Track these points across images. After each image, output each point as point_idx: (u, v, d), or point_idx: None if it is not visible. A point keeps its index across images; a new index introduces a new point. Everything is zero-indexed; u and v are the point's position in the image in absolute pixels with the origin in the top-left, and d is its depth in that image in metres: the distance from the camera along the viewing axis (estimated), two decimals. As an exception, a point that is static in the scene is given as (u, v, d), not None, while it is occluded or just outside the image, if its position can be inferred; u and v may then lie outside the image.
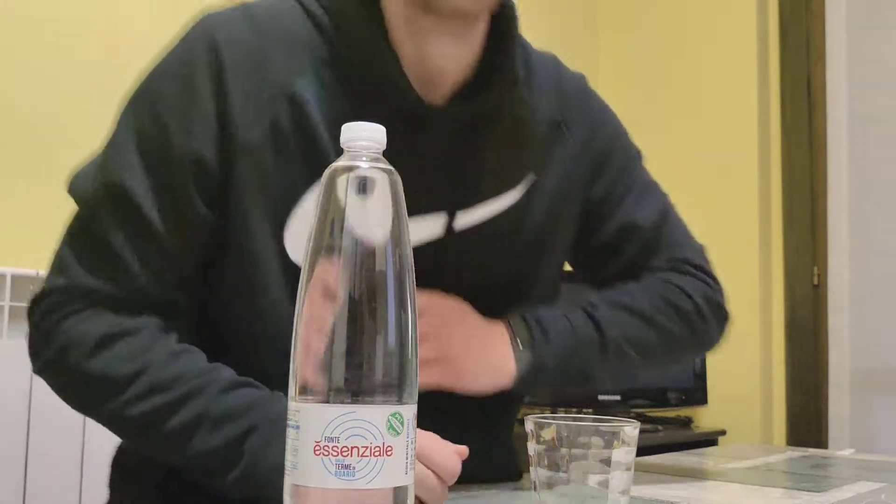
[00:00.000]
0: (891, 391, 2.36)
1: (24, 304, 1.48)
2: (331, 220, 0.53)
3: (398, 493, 0.51)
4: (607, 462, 0.61)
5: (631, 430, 0.62)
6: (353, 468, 0.49)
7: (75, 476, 1.50)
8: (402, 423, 0.51)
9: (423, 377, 0.61)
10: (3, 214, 1.56)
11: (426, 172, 0.78)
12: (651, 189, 1.01)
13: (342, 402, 0.50)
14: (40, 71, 1.62)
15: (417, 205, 0.75)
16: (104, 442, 1.53)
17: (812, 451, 1.30)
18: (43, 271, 1.49)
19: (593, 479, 0.61)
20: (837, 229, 2.46)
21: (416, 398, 0.53)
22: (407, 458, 0.51)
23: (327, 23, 0.79)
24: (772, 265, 2.58)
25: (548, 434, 0.62)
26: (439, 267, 0.81)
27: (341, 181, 0.54)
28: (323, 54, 0.79)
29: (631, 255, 0.95)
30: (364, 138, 0.54)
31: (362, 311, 0.51)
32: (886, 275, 2.39)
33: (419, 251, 0.63)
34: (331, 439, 0.49)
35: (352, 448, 0.49)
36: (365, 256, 0.52)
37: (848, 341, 2.42)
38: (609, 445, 0.61)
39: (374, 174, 0.54)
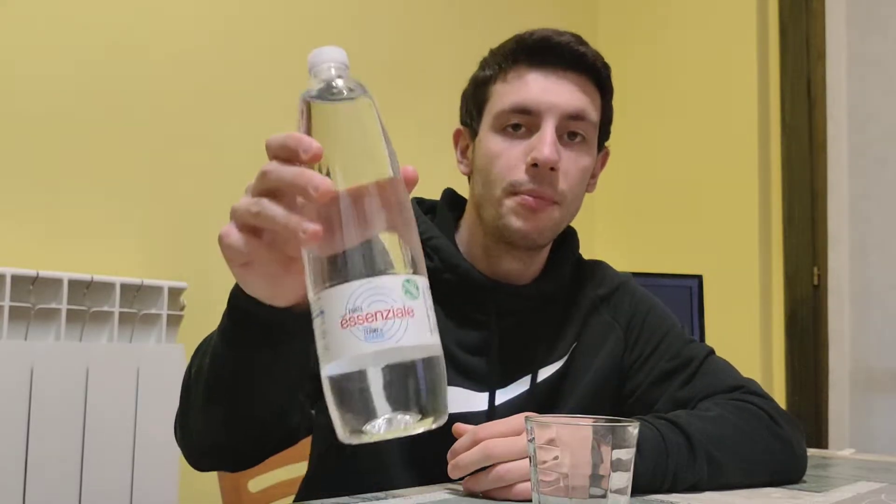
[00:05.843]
0: (891, 391, 2.36)
1: (24, 304, 1.48)
2: (319, 129, 0.56)
3: (428, 351, 0.53)
4: (607, 462, 0.61)
5: (631, 430, 0.62)
6: (381, 331, 0.51)
7: (75, 476, 1.50)
8: (417, 289, 0.53)
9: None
10: (3, 214, 1.56)
11: (515, 337, 1.02)
12: (688, 349, 1.07)
13: (359, 278, 0.52)
14: (40, 71, 1.62)
15: (518, 365, 1.02)
16: (104, 442, 1.53)
17: (812, 451, 1.30)
18: (43, 271, 1.50)
19: (593, 480, 0.61)
20: (837, 229, 2.46)
21: (425, 272, 0.55)
22: (429, 321, 0.53)
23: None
24: (772, 265, 2.58)
25: (547, 434, 0.62)
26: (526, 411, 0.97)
27: (316, 97, 0.56)
28: None
29: (677, 390, 1.02)
30: (326, 60, 0.57)
31: (361, 195, 0.53)
32: (886, 275, 2.39)
33: (514, 401, 1.00)
34: (355, 309, 0.51)
35: (376, 313, 0.51)
36: (356, 145, 0.55)
37: (848, 341, 2.42)
38: (609, 445, 0.61)
39: (342, 82, 0.57)
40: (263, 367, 0.71)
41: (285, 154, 0.56)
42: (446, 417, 0.54)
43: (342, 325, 0.51)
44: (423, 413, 0.52)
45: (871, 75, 2.47)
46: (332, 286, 0.52)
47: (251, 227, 0.59)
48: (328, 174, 0.54)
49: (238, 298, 0.67)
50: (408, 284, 0.52)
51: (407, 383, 0.51)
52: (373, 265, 0.52)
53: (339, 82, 0.57)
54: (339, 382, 0.52)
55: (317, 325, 0.53)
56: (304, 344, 0.53)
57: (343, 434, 0.52)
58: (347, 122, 0.56)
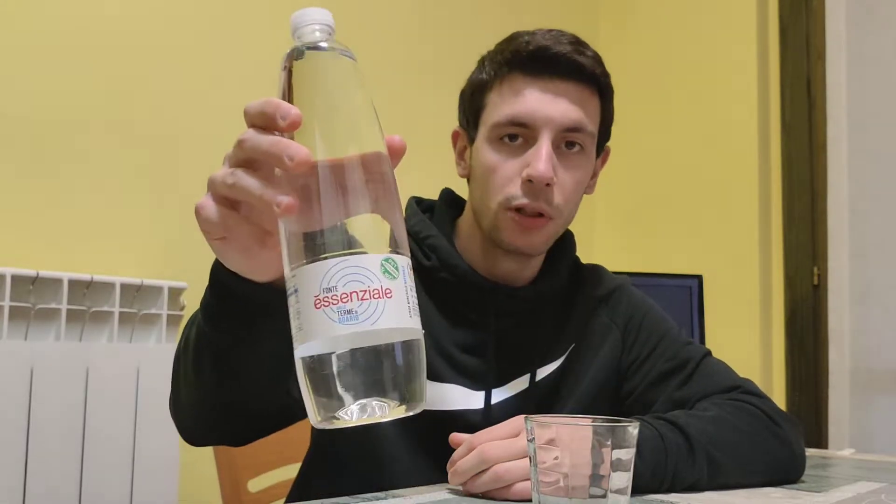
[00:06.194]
0: (891, 391, 2.36)
1: (24, 304, 1.48)
2: (305, 93, 0.53)
3: (406, 334, 0.50)
4: (607, 462, 0.61)
5: (631, 430, 0.62)
6: (356, 312, 0.48)
7: (75, 476, 1.50)
8: (396, 268, 0.50)
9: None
10: (3, 214, 1.56)
11: (513, 338, 1.02)
12: (685, 351, 1.08)
13: (334, 256, 0.49)
14: (40, 71, 1.62)
15: (516, 365, 1.02)
16: (104, 442, 1.53)
17: (812, 451, 1.30)
18: (43, 271, 1.50)
19: (593, 480, 0.61)
20: (837, 229, 2.46)
21: (407, 251, 0.52)
22: (408, 303, 0.50)
23: (415, 247, 1.02)
24: (772, 265, 2.58)
25: (547, 434, 0.62)
26: (524, 411, 0.97)
27: (298, 58, 0.54)
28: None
29: (675, 390, 1.03)
30: (310, 21, 0.54)
31: (342, 167, 0.51)
32: (886, 275, 2.39)
33: (511, 401, 1.00)
34: (329, 289, 0.49)
35: (351, 293, 0.49)
36: (339, 111, 0.52)
37: (848, 341, 2.42)
38: (609, 445, 0.61)
39: (327, 44, 0.54)
40: (245, 342, 0.69)
41: (262, 121, 0.53)
42: (423, 405, 0.51)
43: (316, 306, 0.49)
44: (398, 400, 0.50)
45: (871, 75, 2.47)
46: (306, 263, 0.50)
47: (227, 199, 0.56)
48: (313, 141, 0.51)
49: (218, 273, 0.66)
50: (386, 264, 0.50)
51: (382, 368, 0.49)
52: (350, 242, 0.50)
53: (324, 44, 0.54)
54: (312, 365, 0.49)
55: (291, 303, 0.51)
56: (287, 320, 0.52)
57: (315, 419, 0.50)
58: (330, 84, 0.53)
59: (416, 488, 0.85)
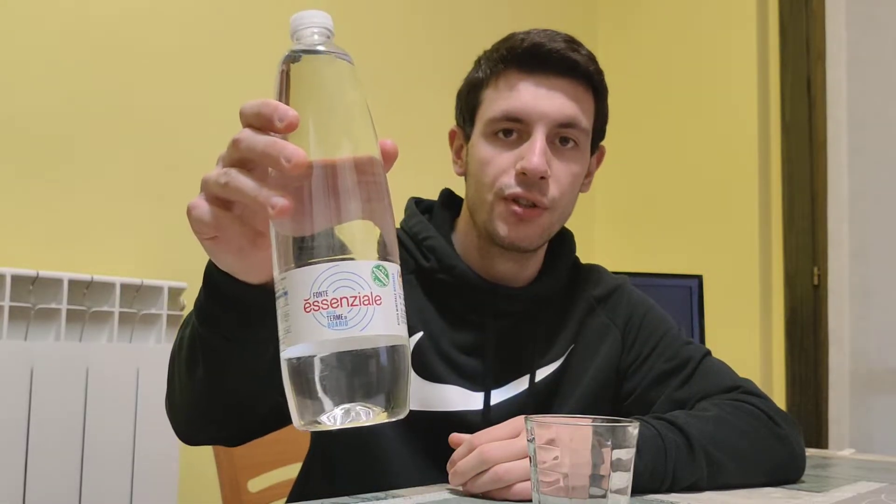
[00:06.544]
0: (891, 391, 2.36)
1: (24, 304, 1.48)
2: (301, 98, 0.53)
3: (393, 341, 0.50)
4: (607, 462, 0.61)
5: (631, 430, 0.62)
6: (345, 318, 0.49)
7: (75, 476, 1.50)
8: (386, 276, 0.51)
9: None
10: (3, 214, 1.56)
11: (512, 339, 1.02)
12: (685, 350, 1.08)
13: (325, 261, 0.50)
14: (40, 71, 1.62)
15: (515, 366, 1.02)
16: (104, 442, 1.53)
17: (812, 451, 1.30)
18: (43, 271, 1.50)
19: (593, 480, 0.61)
20: (837, 229, 2.46)
21: (397, 258, 0.53)
22: (397, 310, 0.51)
23: (414, 247, 1.02)
24: (772, 265, 2.58)
25: (547, 434, 0.62)
26: (523, 412, 0.98)
27: (295, 60, 0.54)
28: (410, 266, 1.01)
29: (675, 390, 1.03)
30: (308, 24, 0.55)
31: (336, 171, 0.51)
32: (886, 275, 2.39)
33: (510, 401, 1.00)
34: (319, 294, 0.49)
35: (341, 299, 0.49)
36: (335, 115, 0.53)
37: (848, 341, 2.42)
38: (609, 445, 0.61)
39: (325, 47, 0.54)
40: (238, 342, 0.69)
41: (259, 122, 0.53)
42: (406, 412, 0.52)
43: (305, 309, 0.49)
44: (382, 405, 0.50)
45: (871, 75, 2.47)
46: (297, 267, 0.50)
47: (220, 199, 0.56)
48: (307, 143, 0.51)
49: (212, 273, 0.66)
50: (377, 271, 0.50)
51: (368, 374, 0.49)
52: (341, 248, 0.50)
53: (322, 47, 0.54)
54: (298, 368, 0.50)
55: (280, 305, 0.51)
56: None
57: (298, 422, 0.51)
58: (326, 88, 0.54)
59: (416, 488, 0.85)
